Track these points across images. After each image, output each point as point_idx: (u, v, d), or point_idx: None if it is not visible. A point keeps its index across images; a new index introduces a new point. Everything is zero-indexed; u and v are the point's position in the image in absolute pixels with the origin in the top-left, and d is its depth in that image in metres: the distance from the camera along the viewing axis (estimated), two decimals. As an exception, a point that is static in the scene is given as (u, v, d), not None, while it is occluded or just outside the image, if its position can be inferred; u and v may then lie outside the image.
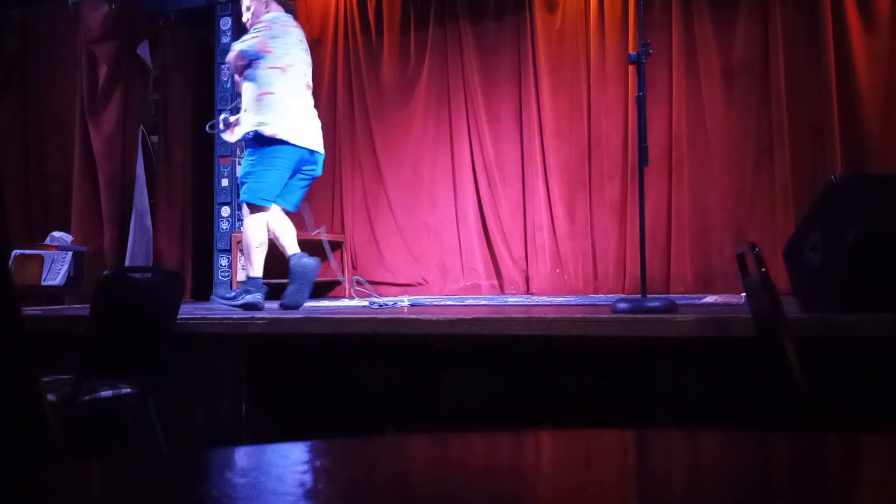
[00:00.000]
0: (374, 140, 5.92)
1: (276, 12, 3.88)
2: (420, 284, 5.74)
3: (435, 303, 4.42)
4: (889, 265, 2.22)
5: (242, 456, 0.73)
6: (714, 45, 5.17)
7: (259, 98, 3.65)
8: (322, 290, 6.05)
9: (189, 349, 3.00)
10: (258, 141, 3.64)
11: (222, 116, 4.14)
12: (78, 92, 6.03)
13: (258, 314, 3.29)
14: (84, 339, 2.16)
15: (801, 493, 0.60)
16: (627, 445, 0.80)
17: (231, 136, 4.06)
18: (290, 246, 3.74)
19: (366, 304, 4.25)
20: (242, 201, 3.96)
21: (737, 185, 5.10)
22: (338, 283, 6.05)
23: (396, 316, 2.92)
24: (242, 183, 3.75)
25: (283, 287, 3.70)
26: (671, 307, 2.75)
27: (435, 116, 5.87)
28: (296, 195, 3.85)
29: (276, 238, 3.76)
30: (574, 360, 2.72)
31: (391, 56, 5.94)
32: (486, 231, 5.71)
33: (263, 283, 3.70)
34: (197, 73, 6.29)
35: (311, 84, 3.93)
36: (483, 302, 4.59)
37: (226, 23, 5.96)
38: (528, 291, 5.51)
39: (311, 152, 3.77)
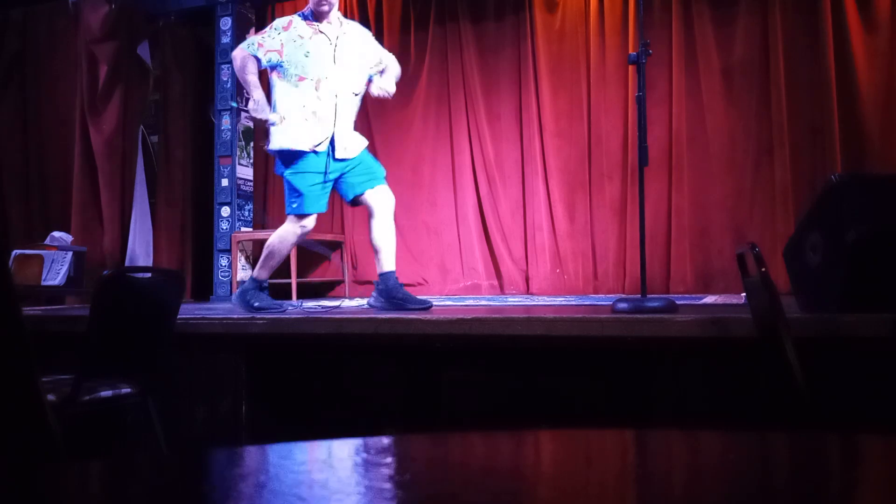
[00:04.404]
0: (374, 140, 5.92)
1: None
2: (420, 284, 5.73)
3: (435, 303, 4.41)
4: (889, 265, 2.22)
5: (243, 456, 0.73)
6: (714, 45, 5.17)
7: None
8: (322, 290, 6.06)
9: (189, 349, 3.00)
10: None
11: None
12: (78, 92, 6.03)
13: (258, 314, 3.29)
14: (84, 339, 2.16)
15: (801, 493, 0.60)
16: (627, 445, 0.80)
17: None
18: None
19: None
20: None
21: (737, 185, 5.10)
22: (339, 282, 6.06)
23: (396, 316, 2.91)
24: None
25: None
26: (671, 307, 2.75)
27: (435, 116, 5.88)
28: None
29: None
30: (574, 360, 2.72)
31: (391, 56, 5.94)
32: (486, 231, 5.71)
33: None
34: (197, 73, 6.29)
35: None
36: (483, 302, 4.59)
37: (226, 23, 5.95)
38: (528, 291, 5.51)
39: None
